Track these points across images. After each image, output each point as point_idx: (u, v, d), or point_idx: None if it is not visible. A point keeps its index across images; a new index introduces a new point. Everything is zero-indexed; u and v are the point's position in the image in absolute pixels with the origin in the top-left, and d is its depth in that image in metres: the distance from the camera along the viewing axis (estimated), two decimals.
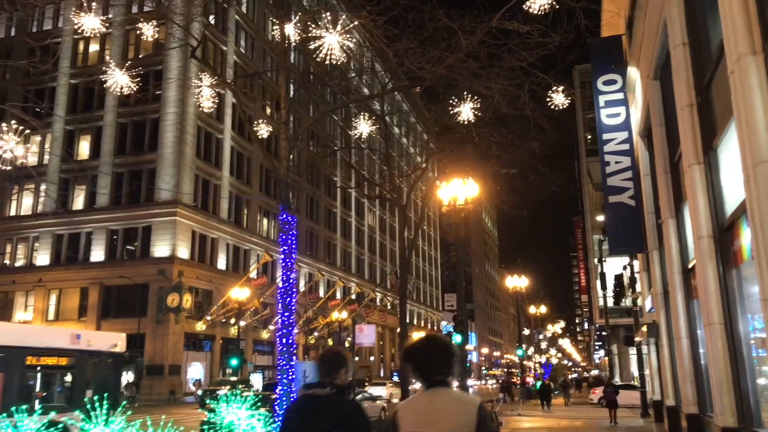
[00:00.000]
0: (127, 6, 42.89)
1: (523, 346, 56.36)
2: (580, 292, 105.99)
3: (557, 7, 10.41)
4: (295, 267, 11.91)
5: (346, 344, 52.70)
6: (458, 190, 19.89)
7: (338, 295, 60.65)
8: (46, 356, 12.96)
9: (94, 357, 13.93)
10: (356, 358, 55.33)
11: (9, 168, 10.62)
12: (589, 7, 11.99)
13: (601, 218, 38.60)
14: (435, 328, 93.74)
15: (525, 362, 62.16)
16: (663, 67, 13.64)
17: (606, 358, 61.89)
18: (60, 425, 11.26)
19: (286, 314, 11.52)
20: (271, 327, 48.29)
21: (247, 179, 51.70)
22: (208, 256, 45.83)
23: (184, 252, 42.69)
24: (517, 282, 46.30)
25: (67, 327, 35.54)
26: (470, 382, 72.98)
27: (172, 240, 42.08)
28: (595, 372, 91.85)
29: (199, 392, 35.75)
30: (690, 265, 12.21)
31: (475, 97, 13.33)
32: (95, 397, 9.42)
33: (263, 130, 15.30)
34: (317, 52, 10.65)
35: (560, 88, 12.36)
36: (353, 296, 62.12)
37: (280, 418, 3.28)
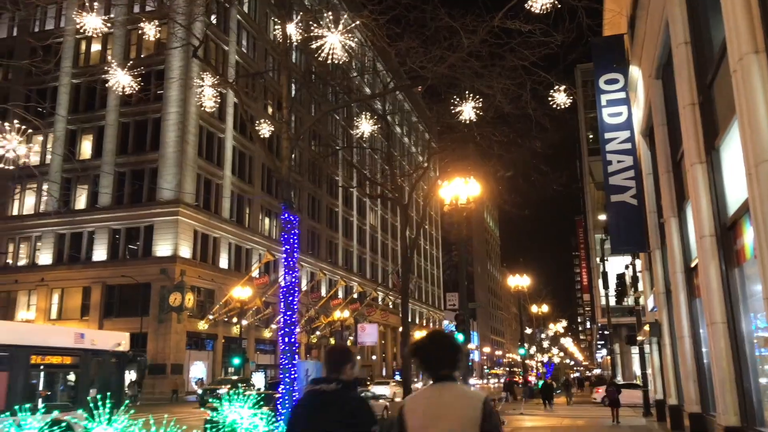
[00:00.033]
0: (129, 6, 42.97)
1: (525, 345, 56.35)
2: (582, 291, 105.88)
3: (559, 6, 10.40)
4: (297, 266, 11.92)
5: (348, 343, 52.71)
6: (460, 190, 19.89)
7: (340, 295, 60.68)
8: (50, 355, 12.99)
9: (98, 356, 13.96)
10: (358, 357, 55.31)
11: (11, 167, 10.64)
12: (590, 6, 11.98)
13: (603, 217, 38.57)
14: (437, 327, 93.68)
15: (527, 361, 62.16)
16: (665, 66, 13.63)
17: (608, 358, 61.86)
18: (63, 424, 11.29)
19: (289, 313, 11.53)
20: (273, 326, 48.35)
21: (248, 179, 51.73)
22: (210, 256, 45.88)
23: (186, 251, 42.74)
24: (519, 281, 46.29)
25: (70, 326, 35.64)
26: (472, 381, 72.97)
27: (174, 239, 42.12)
28: (597, 371, 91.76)
29: (199, 391, 35.77)
30: (692, 264, 12.20)
31: (477, 97, 13.32)
32: (98, 396, 9.45)
33: (265, 130, 15.31)
34: (319, 51, 10.66)
35: (562, 88, 12.35)
36: (355, 295, 62.14)
37: (288, 414, 3.37)
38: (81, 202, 45.52)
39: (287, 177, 12.48)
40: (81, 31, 11.54)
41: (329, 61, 10.96)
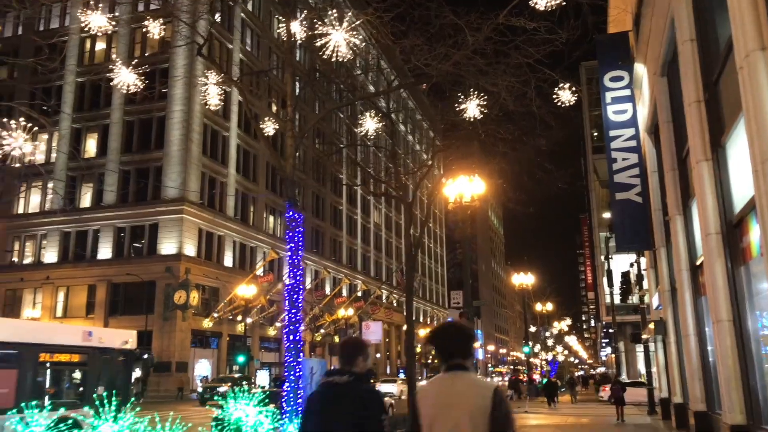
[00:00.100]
0: (133, 4, 43.03)
1: (530, 343, 56.29)
2: (586, 290, 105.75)
3: (564, 3, 10.37)
4: (301, 264, 11.92)
5: None
6: (464, 188, 19.88)
7: (344, 293, 60.73)
8: (58, 353, 13.08)
9: (106, 354, 14.03)
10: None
11: (17, 165, 10.67)
12: (595, 4, 11.94)
13: (607, 215, 38.48)
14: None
15: (531, 359, 62.11)
16: (670, 64, 13.59)
17: (613, 356, 61.75)
18: (70, 421, 11.34)
19: (293, 311, 11.54)
20: (278, 324, 48.41)
21: (253, 177, 51.80)
22: (214, 254, 45.98)
23: (190, 249, 42.84)
24: (523, 279, 46.25)
25: (75, 324, 35.77)
26: None
27: (179, 237, 42.22)
28: (601, 369, 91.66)
29: (200, 389, 35.85)
30: (698, 262, 12.17)
31: (482, 94, 13.28)
32: (105, 394, 9.49)
33: (269, 128, 15.30)
34: (323, 49, 10.65)
35: (567, 85, 12.31)
36: (359, 293, 62.16)
37: (303, 406, 3.50)
38: (86, 200, 45.67)
39: (292, 175, 12.48)
40: (86, 29, 11.54)
41: (333, 59, 10.95)
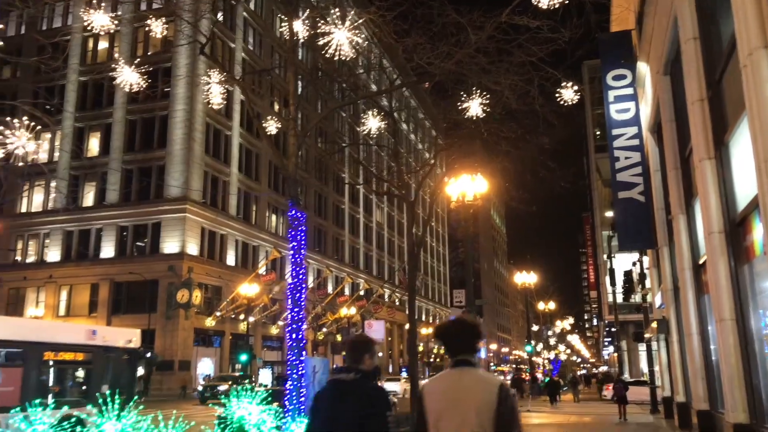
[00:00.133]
0: (136, 3, 43.04)
1: (532, 342, 56.25)
2: (589, 289, 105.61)
3: (567, 2, 10.35)
4: (304, 262, 11.93)
5: None
6: (467, 186, 19.86)
7: (347, 292, 60.77)
8: (63, 352, 13.13)
9: (110, 353, 14.07)
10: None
11: (21, 164, 10.70)
12: (598, 2, 11.93)
13: (610, 214, 38.44)
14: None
15: (534, 358, 62.05)
16: (673, 62, 13.56)
17: (615, 355, 61.71)
18: (73, 419, 11.37)
19: (296, 310, 11.55)
20: (280, 323, 48.45)
21: (255, 176, 51.83)
22: (217, 253, 46.02)
23: (193, 248, 42.89)
24: (525, 278, 46.19)
25: (78, 323, 35.86)
26: None
27: (182, 236, 42.27)
28: (604, 368, 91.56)
29: (200, 388, 35.89)
30: (701, 261, 12.16)
31: (484, 93, 13.27)
32: (108, 393, 9.51)
33: (272, 127, 15.31)
34: (326, 48, 10.65)
35: (569, 84, 12.29)
36: (362, 292, 62.19)
37: (311, 403, 3.57)
38: (89, 199, 45.74)
39: (294, 174, 12.48)
40: (88, 28, 11.56)
41: (336, 58, 10.95)
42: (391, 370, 70.95)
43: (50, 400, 11.33)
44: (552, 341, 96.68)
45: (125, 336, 14.94)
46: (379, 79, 52.70)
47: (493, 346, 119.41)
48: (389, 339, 73.99)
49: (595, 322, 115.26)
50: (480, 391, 3.05)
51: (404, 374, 51.84)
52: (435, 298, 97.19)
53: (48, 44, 36.49)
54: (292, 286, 11.76)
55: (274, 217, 54.42)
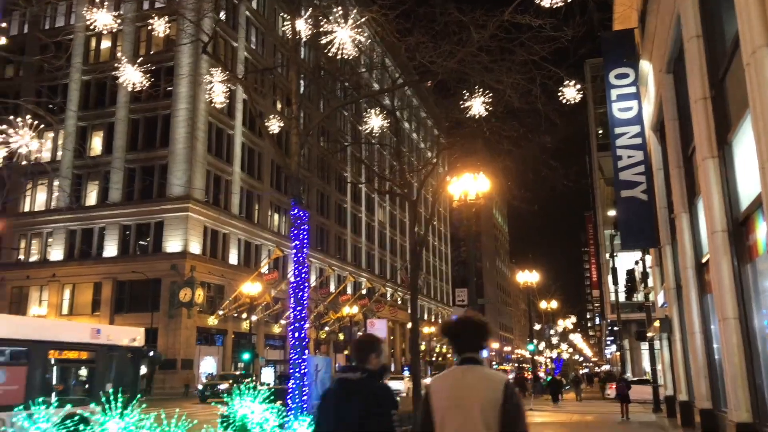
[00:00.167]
0: (138, 2, 43.11)
1: (534, 341, 56.23)
2: (591, 287, 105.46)
3: (569, 0, 10.33)
4: (306, 261, 11.94)
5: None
6: (469, 185, 19.83)
7: (349, 290, 60.80)
8: (67, 350, 13.16)
9: (114, 351, 14.10)
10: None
11: (24, 163, 10.72)
12: (601, 0, 11.90)
13: (612, 213, 38.38)
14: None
15: (536, 357, 62.01)
16: (676, 61, 13.54)
17: (617, 354, 61.66)
18: (76, 417, 11.40)
19: (298, 308, 11.56)
20: (283, 321, 48.52)
21: (258, 175, 51.87)
22: (219, 251, 46.08)
23: (196, 247, 42.94)
24: (527, 277, 46.12)
25: (81, 322, 35.92)
26: None
27: (184, 235, 42.32)
28: (606, 367, 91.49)
29: (200, 386, 35.94)
30: (704, 260, 12.14)
31: (487, 91, 13.25)
32: (111, 391, 9.53)
33: (274, 126, 15.30)
34: (328, 47, 10.64)
35: (572, 83, 12.26)
36: (364, 291, 62.21)
37: (318, 401, 3.62)
38: (92, 198, 45.84)
39: (296, 173, 12.48)
40: (91, 27, 11.56)
41: (338, 57, 10.95)
42: (393, 368, 70.97)
43: (54, 398, 11.36)
44: (554, 340, 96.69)
45: (129, 335, 14.97)
46: (381, 77, 52.66)
47: (496, 345, 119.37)
48: (391, 338, 74.02)
49: (597, 321, 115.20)
50: (485, 388, 3.06)
51: (406, 373, 51.86)
52: (437, 297, 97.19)
53: (51, 43, 36.56)
54: (294, 284, 11.76)
55: (276, 216, 54.46)
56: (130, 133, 45.78)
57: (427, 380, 33.54)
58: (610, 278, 38.73)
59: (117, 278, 43.06)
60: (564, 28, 11.91)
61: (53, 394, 12.00)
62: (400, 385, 37.69)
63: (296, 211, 12.01)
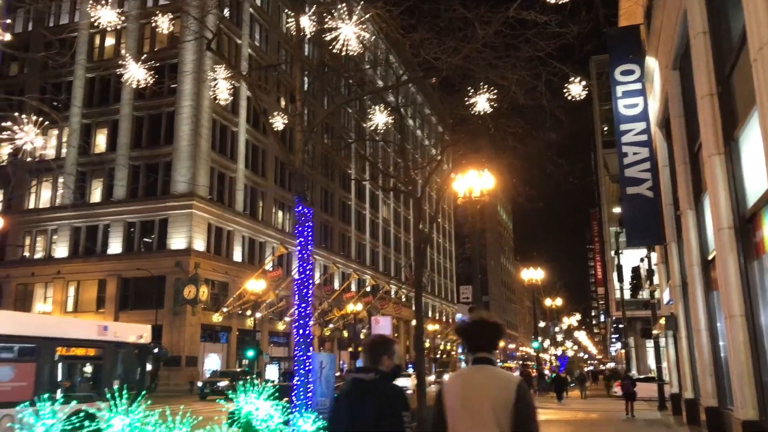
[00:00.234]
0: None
1: (539, 338, 56.17)
2: (596, 285, 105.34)
3: None
4: (310, 259, 11.93)
5: (362, 336, 52.82)
6: (474, 182, 19.78)
7: (353, 288, 60.83)
8: (74, 347, 13.21)
9: (121, 348, 14.15)
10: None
11: (29, 160, 10.74)
12: None
13: (618, 210, 38.29)
14: (450, 321, 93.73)
15: (541, 355, 61.98)
16: (682, 57, 13.47)
17: (623, 351, 61.54)
18: (82, 414, 11.44)
19: (303, 305, 11.55)
20: (287, 318, 48.56)
21: (262, 172, 51.89)
22: (224, 249, 46.15)
23: (200, 244, 43.01)
24: (532, 274, 46.09)
25: (87, 318, 36.02)
26: None
27: (189, 232, 42.40)
28: (611, 365, 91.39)
29: (200, 384, 36.02)
30: (710, 257, 12.09)
31: (492, 88, 13.20)
32: (117, 387, 9.55)
33: (278, 123, 15.28)
34: (332, 44, 10.61)
35: (577, 79, 12.20)
36: (368, 288, 62.24)
37: (331, 402, 3.71)
38: (96, 195, 45.94)
39: (300, 170, 12.47)
40: (95, 24, 11.58)
41: (342, 54, 10.92)
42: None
43: (59, 395, 11.40)
44: (559, 338, 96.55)
45: (136, 332, 15.03)
46: (385, 74, 52.61)
47: (500, 343, 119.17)
48: (396, 335, 74.02)
49: (602, 318, 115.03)
50: (497, 388, 3.07)
51: (410, 370, 51.87)
52: (442, 295, 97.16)
53: (55, 40, 36.52)
54: (298, 281, 11.75)
55: (280, 213, 54.50)
56: (135, 131, 45.85)
57: (445, 377, 33.55)
58: (615, 275, 38.66)
59: (121, 275, 43.17)
60: (569, 25, 11.86)
61: (60, 391, 12.04)
62: (407, 383, 37.71)
63: (300, 208, 12.00)
